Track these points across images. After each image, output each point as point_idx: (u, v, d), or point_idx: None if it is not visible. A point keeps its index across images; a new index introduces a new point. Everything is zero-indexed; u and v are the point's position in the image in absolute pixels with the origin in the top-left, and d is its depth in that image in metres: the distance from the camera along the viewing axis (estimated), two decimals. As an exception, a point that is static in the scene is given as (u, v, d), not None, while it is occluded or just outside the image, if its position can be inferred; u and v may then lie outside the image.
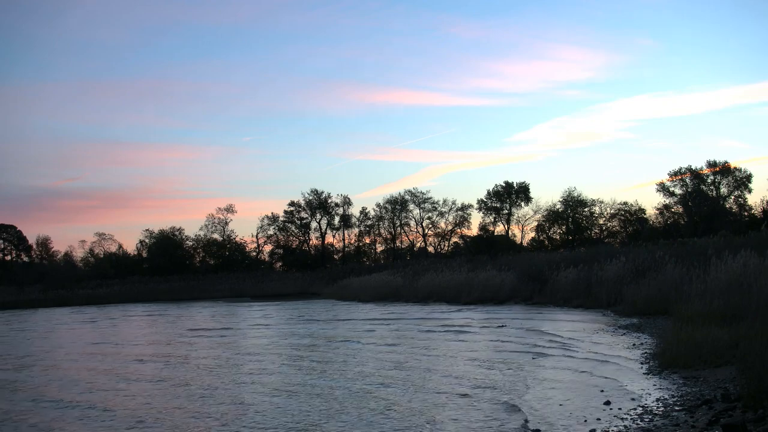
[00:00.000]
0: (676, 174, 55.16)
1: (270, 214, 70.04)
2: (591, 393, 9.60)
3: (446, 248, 67.25)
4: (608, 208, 59.21)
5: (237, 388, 11.50)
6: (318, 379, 12.00)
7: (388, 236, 69.00)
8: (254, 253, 71.64)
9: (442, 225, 67.71)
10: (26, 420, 9.82)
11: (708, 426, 7.11)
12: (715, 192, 53.85)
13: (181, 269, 65.98)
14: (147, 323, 30.43)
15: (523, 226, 63.37)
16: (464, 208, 66.28)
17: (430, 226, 67.82)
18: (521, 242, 62.87)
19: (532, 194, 62.57)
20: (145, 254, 72.06)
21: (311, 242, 70.75)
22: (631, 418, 7.95)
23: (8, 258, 75.19)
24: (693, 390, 9.16)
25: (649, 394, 9.25)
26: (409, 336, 18.99)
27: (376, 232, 69.70)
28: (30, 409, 10.60)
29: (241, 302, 46.94)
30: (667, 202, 55.67)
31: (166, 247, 69.28)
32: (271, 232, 70.36)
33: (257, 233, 70.69)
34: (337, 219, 69.80)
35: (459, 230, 67.28)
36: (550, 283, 28.41)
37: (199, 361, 15.39)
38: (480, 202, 63.91)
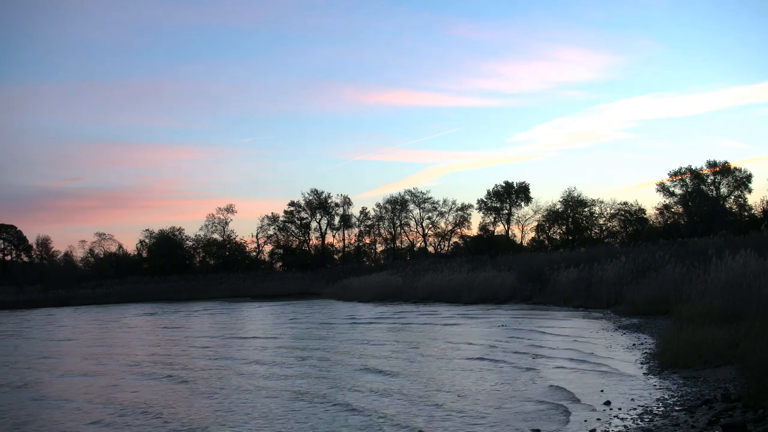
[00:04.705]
0: (676, 174, 55.20)
1: (270, 214, 70.25)
2: (591, 393, 9.59)
3: (446, 248, 67.29)
4: (608, 208, 59.35)
5: (240, 387, 11.51)
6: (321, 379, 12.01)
7: (388, 236, 69.04)
8: (254, 253, 71.72)
9: (442, 225, 67.87)
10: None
11: (708, 426, 7.11)
12: (715, 192, 53.83)
13: (181, 269, 66.00)
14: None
15: (523, 226, 63.52)
16: (464, 208, 66.37)
17: (430, 226, 67.97)
18: (521, 242, 62.95)
19: (532, 194, 62.73)
20: (145, 254, 72.10)
21: (311, 242, 70.85)
22: (631, 418, 7.95)
23: (8, 258, 75.23)
24: (693, 390, 9.16)
25: (649, 394, 9.24)
26: (410, 336, 19.03)
27: (376, 232, 69.81)
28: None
29: (241, 302, 46.97)
30: (667, 202, 55.75)
31: (166, 247, 69.32)
32: (271, 232, 70.53)
33: (257, 233, 70.88)
34: (337, 219, 69.94)
35: (459, 230, 67.42)
36: (550, 283, 28.40)
37: (202, 359, 15.42)
38: (480, 202, 64.02)
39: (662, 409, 8.28)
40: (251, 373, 13.28)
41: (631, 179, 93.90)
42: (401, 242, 69.52)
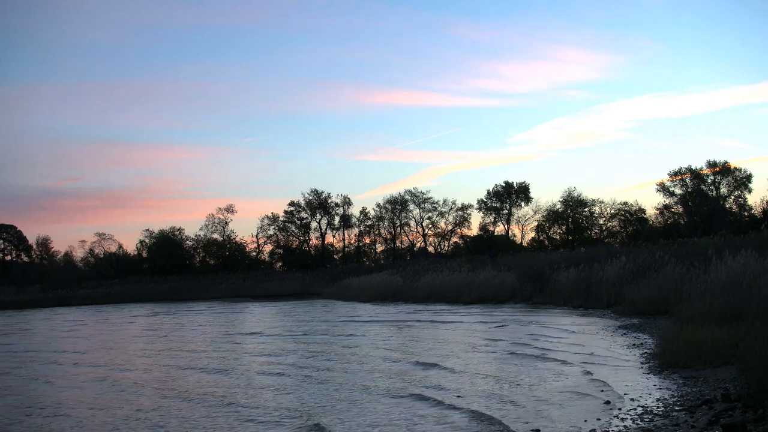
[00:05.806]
0: (676, 174, 55.20)
1: (270, 214, 70.24)
2: (591, 393, 9.59)
3: (446, 248, 67.26)
4: (608, 208, 59.31)
5: (307, 380, 11.66)
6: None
7: (388, 236, 69.01)
8: (254, 253, 71.70)
9: (442, 225, 67.86)
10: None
11: (708, 426, 7.10)
12: (715, 192, 53.82)
13: (181, 269, 65.98)
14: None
15: (523, 226, 63.51)
16: (464, 208, 66.37)
17: (430, 226, 67.95)
18: (521, 242, 62.93)
19: (532, 194, 62.74)
20: (145, 254, 72.10)
21: (311, 242, 70.83)
22: (631, 418, 7.94)
23: (8, 258, 75.22)
24: (693, 390, 9.16)
25: (649, 394, 9.24)
26: (410, 336, 19.04)
27: (376, 232, 69.79)
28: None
29: (242, 302, 46.95)
30: (667, 202, 55.73)
31: (166, 247, 69.30)
32: (271, 232, 70.52)
33: (257, 233, 70.89)
34: (337, 219, 69.93)
35: (459, 230, 67.42)
36: (550, 283, 28.39)
37: (206, 359, 15.43)
38: (480, 202, 64.00)
39: (662, 408, 8.28)
40: (304, 366, 13.54)
41: (631, 179, 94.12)
42: (401, 242, 69.55)
